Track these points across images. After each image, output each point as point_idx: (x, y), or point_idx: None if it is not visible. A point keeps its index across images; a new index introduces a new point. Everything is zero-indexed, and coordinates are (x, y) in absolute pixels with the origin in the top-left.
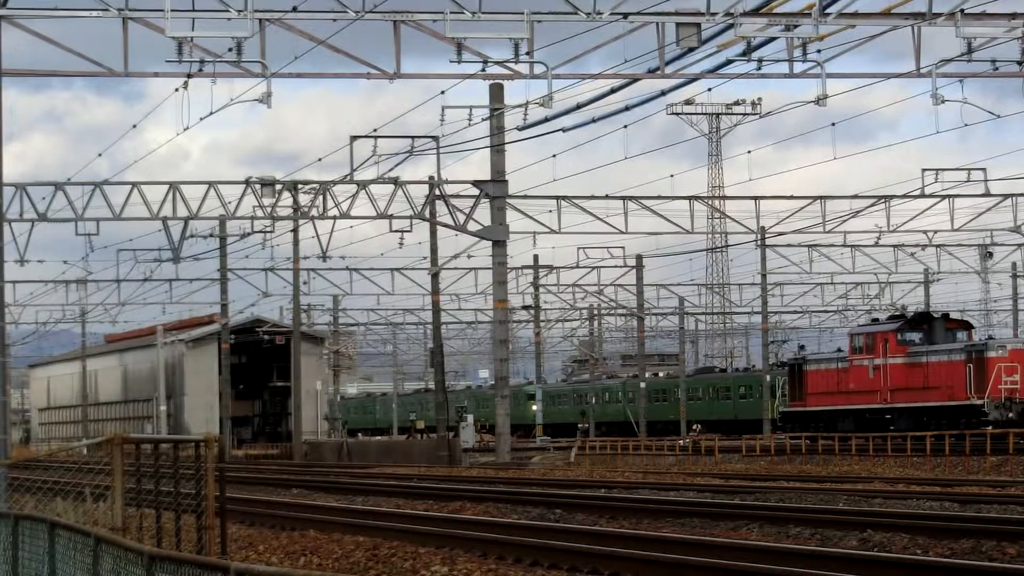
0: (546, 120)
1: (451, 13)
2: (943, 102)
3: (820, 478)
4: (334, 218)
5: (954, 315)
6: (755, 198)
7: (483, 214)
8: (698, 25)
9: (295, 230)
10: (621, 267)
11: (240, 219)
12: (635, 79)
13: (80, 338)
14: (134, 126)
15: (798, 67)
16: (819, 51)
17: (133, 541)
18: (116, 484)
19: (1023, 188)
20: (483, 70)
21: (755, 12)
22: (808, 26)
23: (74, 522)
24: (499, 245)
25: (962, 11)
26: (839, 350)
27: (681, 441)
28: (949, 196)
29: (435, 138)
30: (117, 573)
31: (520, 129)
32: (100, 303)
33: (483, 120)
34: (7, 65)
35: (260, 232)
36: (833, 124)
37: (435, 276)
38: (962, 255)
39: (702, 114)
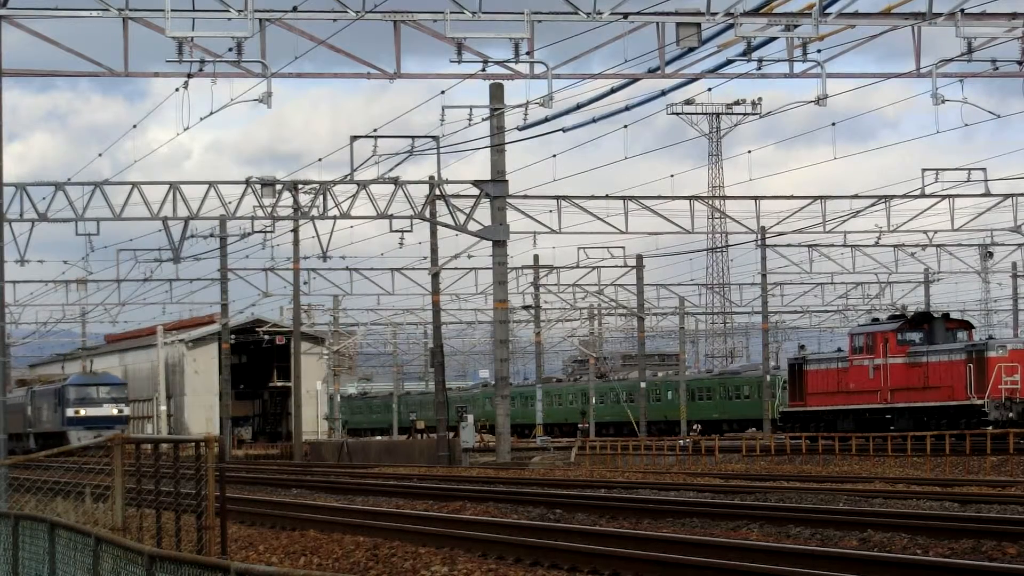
0: (546, 120)
1: (451, 13)
2: (943, 102)
3: (820, 478)
4: (334, 218)
5: (954, 315)
6: (755, 198)
7: (483, 214)
8: (698, 25)
9: (295, 230)
10: (621, 267)
11: (240, 219)
12: (635, 79)
13: (80, 338)
14: (135, 126)
15: (798, 67)
16: (819, 51)
17: (133, 541)
18: (116, 484)
19: (1023, 188)
20: (483, 70)
21: (755, 12)
22: (808, 26)
23: (74, 522)
24: (499, 245)
25: (962, 11)
26: (839, 350)
27: (681, 441)
28: (949, 196)
29: (435, 138)
30: (117, 573)
31: (520, 129)
32: (100, 303)
33: (483, 120)
34: (8, 65)
35: (260, 232)
36: (833, 124)
37: (435, 276)
38: (962, 255)
39: (702, 114)
